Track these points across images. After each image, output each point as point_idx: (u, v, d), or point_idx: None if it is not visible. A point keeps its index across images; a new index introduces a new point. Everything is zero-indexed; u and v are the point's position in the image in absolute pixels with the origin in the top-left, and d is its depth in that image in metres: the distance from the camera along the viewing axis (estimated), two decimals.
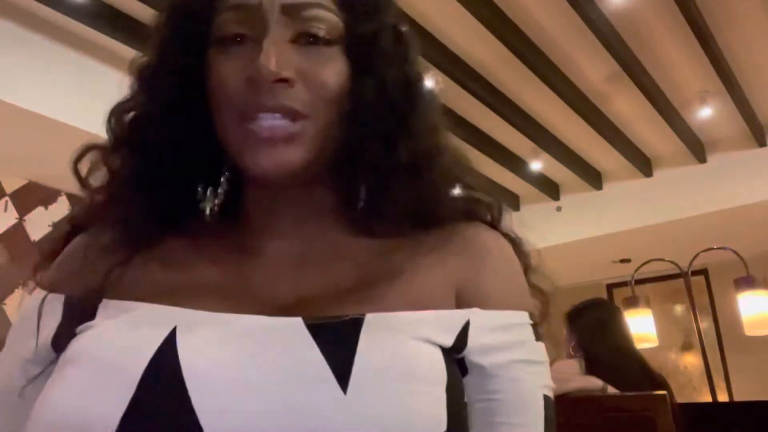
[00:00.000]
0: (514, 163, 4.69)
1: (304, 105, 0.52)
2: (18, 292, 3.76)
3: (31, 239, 3.88)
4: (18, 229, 3.83)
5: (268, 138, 0.51)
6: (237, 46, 0.53)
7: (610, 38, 3.33)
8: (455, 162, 0.62)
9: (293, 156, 0.52)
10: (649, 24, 3.34)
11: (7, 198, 3.79)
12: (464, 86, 3.65)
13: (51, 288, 0.57)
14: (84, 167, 0.60)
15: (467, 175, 0.63)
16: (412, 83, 0.58)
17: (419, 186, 0.57)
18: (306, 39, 0.53)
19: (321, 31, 0.53)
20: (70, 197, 4.06)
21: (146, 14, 2.99)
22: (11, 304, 3.71)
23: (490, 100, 3.86)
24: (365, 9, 0.56)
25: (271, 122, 0.51)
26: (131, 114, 0.59)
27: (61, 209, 4.03)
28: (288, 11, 0.53)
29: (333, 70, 0.54)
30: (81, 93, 3.18)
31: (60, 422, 0.44)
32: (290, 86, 0.52)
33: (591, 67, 3.68)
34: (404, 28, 0.59)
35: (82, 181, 0.59)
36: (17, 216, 3.83)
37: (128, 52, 3.20)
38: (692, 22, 3.23)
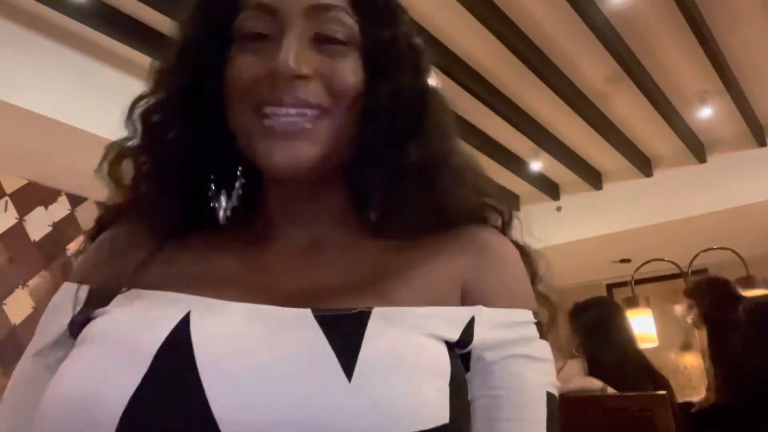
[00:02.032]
0: (514, 163, 4.69)
1: (322, 100, 0.54)
2: (18, 292, 3.76)
3: (31, 239, 3.88)
4: (18, 229, 3.83)
5: (283, 132, 0.53)
6: (257, 43, 0.55)
7: (610, 38, 3.33)
8: (467, 167, 0.63)
9: (307, 152, 0.54)
10: (649, 24, 3.34)
11: (7, 198, 3.80)
12: (464, 86, 3.65)
13: (77, 280, 0.59)
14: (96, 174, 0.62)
15: (479, 181, 0.64)
16: (424, 90, 0.60)
17: (430, 189, 0.58)
18: (324, 40, 0.56)
19: (339, 34, 0.56)
20: (70, 197, 4.06)
21: (146, 14, 2.99)
22: (11, 304, 3.71)
23: (490, 100, 3.86)
24: (381, 17, 0.58)
25: (287, 118, 0.53)
26: (150, 111, 0.60)
27: (61, 209, 4.03)
28: (309, 13, 0.55)
29: (350, 69, 0.56)
30: (81, 93, 3.18)
31: (73, 397, 0.45)
32: (307, 83, 0.54)
33: (591, 67, 3.68)
34: (417, 40, 0.61)
35: (112, 175, 0.61)
36: (17, 216, 3.84)
37: (128, 52, 3.21)
38: (692, 22, 3.23)
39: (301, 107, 0.53)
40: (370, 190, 0.58)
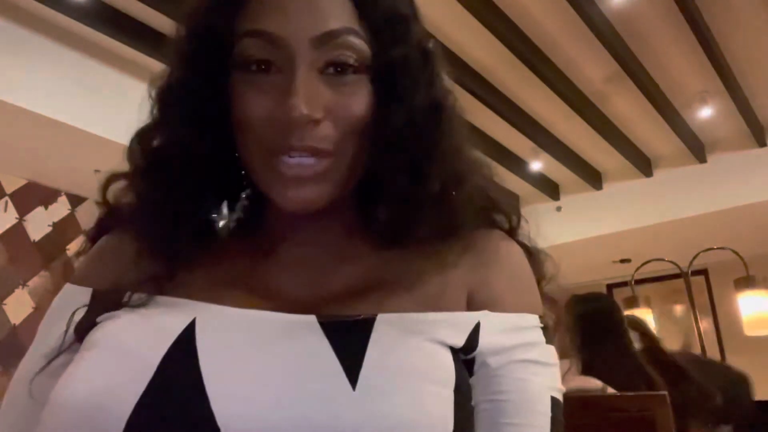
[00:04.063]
0: (514, 163, 4.69)
1: (332, 142, 0.52)
2: (18, 292, 3.76)
3: (31, 239, 3.88)
4: (18, 229, 3.83)
5: (296, 176, 0.52)
6: (263, 75, 0.52)
7: (610, 38, 3.33)
8: (480, 175, 0.61)
9: (321, 193, 0.53)
10: (649, 24, 3.34)
11: (7, 198, 3.80)
12: (464, 86, 3.65)
13: (80, 282, 0.59)
14: (105, 173, 0.62)
15: (488, 186, 0.62)
16: (439, 104, 0.57)
17: (443, 210, 0.56)
18: (334, 68, 0.52)
19: (350, 59, 0.52)
20: (70, 197, 4.06)
21: (147, 15, 2.99)
22: (11, 304, 3.71)
23: (490, 100, 3.86)
24: (393, 32, 0.54)
25: (298, 160, 0.51)
26: (153, 143, 0.58)
27: (61, 209, 4.03)
28: (317, 42, 0.51)
29: (360, 101, 0.53)
30: (81, 93, 3.18)
31: (78, 403, 0.45)
32: (318, 125, 0.51)
33: (591, 67, 3.68)
34: (431, 45, 0.58)
35: (108, 207, 0.61)
36: (17, 216, 3.84)
37: (129, 53, 3.21)
38: (692, 22, 3.23)
39: (312, 151, 0.52)
40: (381, 210, 0.56)
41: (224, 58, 0.54)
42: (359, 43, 0.53)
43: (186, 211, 0.56)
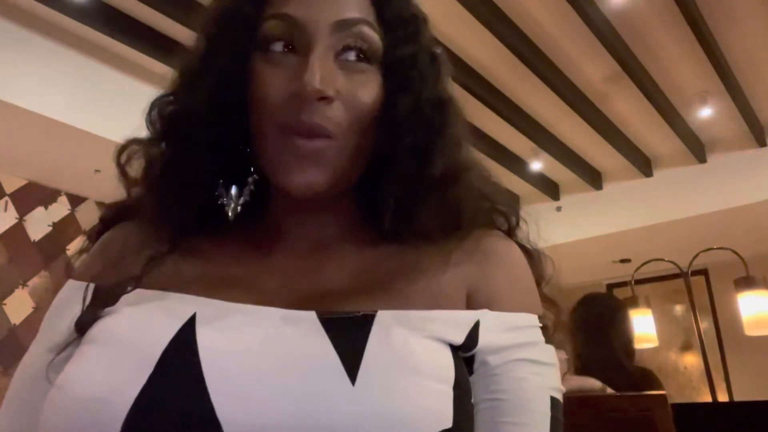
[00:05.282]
0: (514, 163, 4.69)
1: (339, 125, 0.54)
2: (18, 292, 3.77)
3: (31, 239, 3.89)
4: (18, 229, 3.84)
5: (302, 157, 0.53)
6: (282, 56, 0.55)
7: (610, 38, 3.34)
8: (478, 174, 0.63)
9: (324, 178, 0.54)
10: (649, 24, 3.35)
11: (7, 198, 3.80)
12: (465, 86, 3.66)
13: (82, 278, 0.59)
14: (105, 173, 0.62)
15: (488, 186, 0.64)
16: (444, 100, 0.60)
17: (445, 199, 0.58)
18: (348, 55, 0.56)
19: (364, 46, 0.56)
20: (70, 197, 4.07)
21: (146, 15, 2.99)
22: (11, 304, 3.72)
23: (490, 100, 3.87)
24: (406, 32, 0.58)
25: (305, 142, 0.53)
26: (171, 109, 0.60)
27: (61, 209, 4.04)
28: (336, 28, 0.55)
29: (370, 90, 0.56)
30: (81, 93, 3.18)
31: (78, 397, 0.45)
32: (329, 104, 0.54)
33: (591, 67, 3.69)
34: (438, 50, 0.62)
35: (123, 172, 0.62)
36: (17, 216, 3.84)
37: (128, 53, 3.22)
38: (692, 22, 3.23)
39: (320, 129, 0.53)
40: (384, 201, 0.58)
41: (248, 41, 0.56)
42: (373, 35, 0.57)
43: (192, 182, 0.57)
